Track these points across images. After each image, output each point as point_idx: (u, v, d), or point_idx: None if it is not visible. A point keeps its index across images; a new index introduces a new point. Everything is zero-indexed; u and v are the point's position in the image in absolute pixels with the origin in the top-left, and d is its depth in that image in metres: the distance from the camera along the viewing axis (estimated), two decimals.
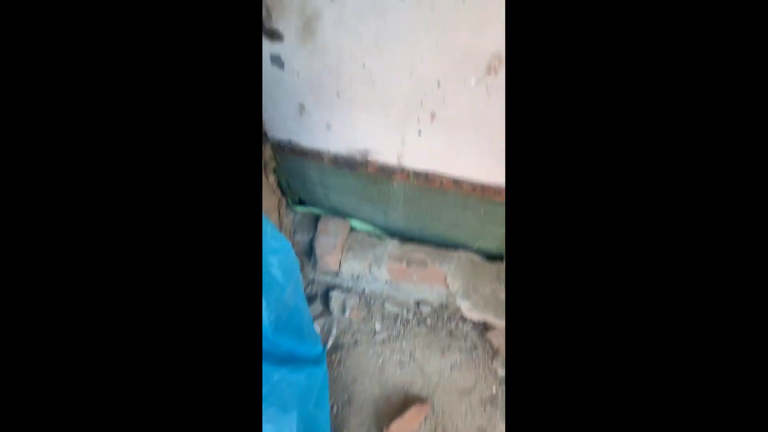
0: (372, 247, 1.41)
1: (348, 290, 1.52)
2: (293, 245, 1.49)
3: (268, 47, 0.92)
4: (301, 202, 1.52)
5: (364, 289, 1.51)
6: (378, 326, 1.46)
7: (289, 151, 1.23)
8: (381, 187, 1.24)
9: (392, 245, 1.40)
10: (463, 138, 0.96)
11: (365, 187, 1.27)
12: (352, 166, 1.19)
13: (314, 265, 1.47)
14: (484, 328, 1.37)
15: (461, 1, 0.70)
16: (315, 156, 1.21)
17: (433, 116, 0.94)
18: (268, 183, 1.23)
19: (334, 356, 1.41)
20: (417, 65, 0.84)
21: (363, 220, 1.45)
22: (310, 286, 1.57)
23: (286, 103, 1.07)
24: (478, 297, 1.30)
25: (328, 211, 1.48)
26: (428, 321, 1.46)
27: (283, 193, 1.43)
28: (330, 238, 1.39)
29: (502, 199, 1.09)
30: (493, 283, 1.31)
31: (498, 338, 1.32)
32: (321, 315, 1.48)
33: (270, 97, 1.07)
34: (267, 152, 1.19)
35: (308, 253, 1.49)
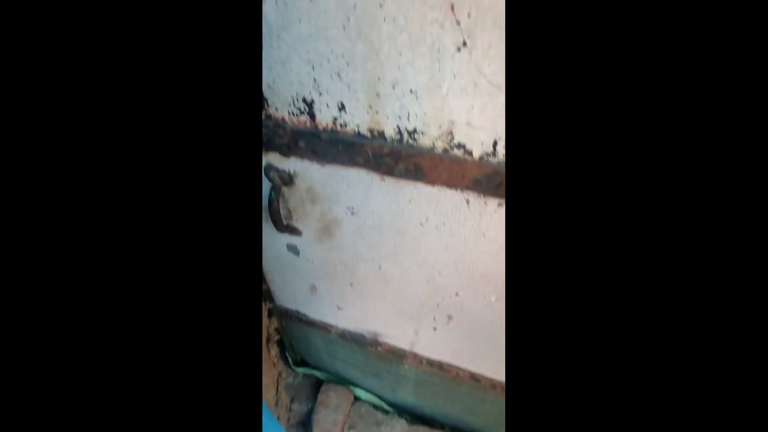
0: (377, 425, 1.26)
1: None
2: (289, 417, 1.34)
3: (286, 238, 0.92)
4: (303, 362, 1.42)
5: None
6: None
7: (296, 319, 1.18)
8: (390, 365, 1.14)
9: (399, 427, 1.24)
10: (483, 342, 0.90)
11: (373, 363, 1.17)
12: (360, 343, 1.11)
13: None
14: None
15: (481, 234, 0.69)
16: (322, 327, 1.15)
17: (450, 318, 0.89)
18: (269, 357, 1.15)
19: None
20: (435, 276, 0.81)
21: (369, 390, 1.33)
22: None
23: (298, 283, 1.04)
24: None
25: (331, 376, 1.36)
26: None
27: (284, 354, 1.34)
28: (330, 412, 1.25)
29: None
30: None
31: None
32: None
33: (282, 275, 1.05)
34: (272, 324, 1.13)
35: (305, 425, 1.34)
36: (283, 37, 0.58)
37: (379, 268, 0.86)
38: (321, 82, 0.61)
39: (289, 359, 1.39)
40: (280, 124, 0.69)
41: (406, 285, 0.87)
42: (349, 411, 1.29)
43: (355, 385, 1.33)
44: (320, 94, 0.62)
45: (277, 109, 0.68)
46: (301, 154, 0.71)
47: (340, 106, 0.63)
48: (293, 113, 0.67)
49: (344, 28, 0.54)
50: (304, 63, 0.59)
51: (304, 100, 0.64)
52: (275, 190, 0.79)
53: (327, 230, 0.85)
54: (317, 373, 1.37)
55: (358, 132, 0.65)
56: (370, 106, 0.61)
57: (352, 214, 0.78)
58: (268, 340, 1.13)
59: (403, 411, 1.31)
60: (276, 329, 1.16)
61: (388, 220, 0.75)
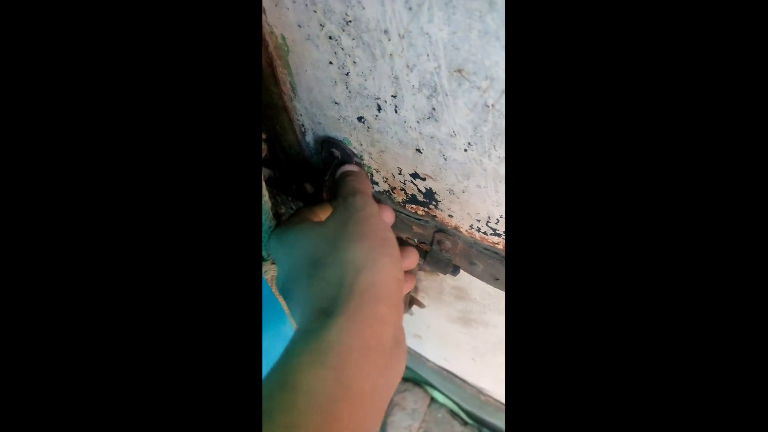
0: None
1: None
2: None
3: None
4: None
5: None
6: None
7: None
8: None
9: None
10: None
11: None
12: None
13: None
14: None
15: None
16: None
17: None
18: None
19: None
20: None
21: (448, 395, 1.21)
22: None
23: None
24: None
25: (407, 371, 1.24)
26: None
27: None
28: (406, 417, 1.16)
29: None
30: None
31: None
32: None
33: None
34: None
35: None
36: None
37: None
38: None
39: None
40: None
41: None
42: (425, 414, 1.19)
43: (433, 386, 1.22)
44: None
45: None
46: None
47: None
48: None
49: None
50: None
51: None
52: None
53: None
54: None
55: None
56: None
57: None
58: None
59: (483, 425, 1.20)
60: None
61: None
